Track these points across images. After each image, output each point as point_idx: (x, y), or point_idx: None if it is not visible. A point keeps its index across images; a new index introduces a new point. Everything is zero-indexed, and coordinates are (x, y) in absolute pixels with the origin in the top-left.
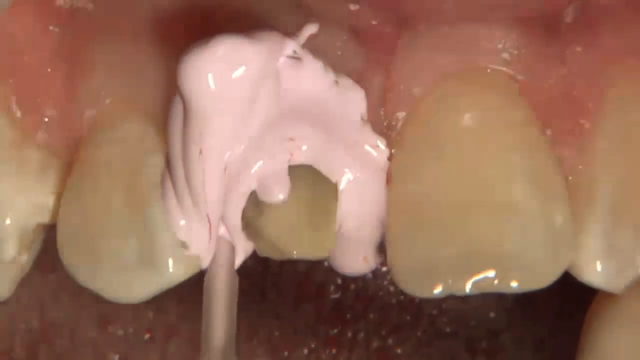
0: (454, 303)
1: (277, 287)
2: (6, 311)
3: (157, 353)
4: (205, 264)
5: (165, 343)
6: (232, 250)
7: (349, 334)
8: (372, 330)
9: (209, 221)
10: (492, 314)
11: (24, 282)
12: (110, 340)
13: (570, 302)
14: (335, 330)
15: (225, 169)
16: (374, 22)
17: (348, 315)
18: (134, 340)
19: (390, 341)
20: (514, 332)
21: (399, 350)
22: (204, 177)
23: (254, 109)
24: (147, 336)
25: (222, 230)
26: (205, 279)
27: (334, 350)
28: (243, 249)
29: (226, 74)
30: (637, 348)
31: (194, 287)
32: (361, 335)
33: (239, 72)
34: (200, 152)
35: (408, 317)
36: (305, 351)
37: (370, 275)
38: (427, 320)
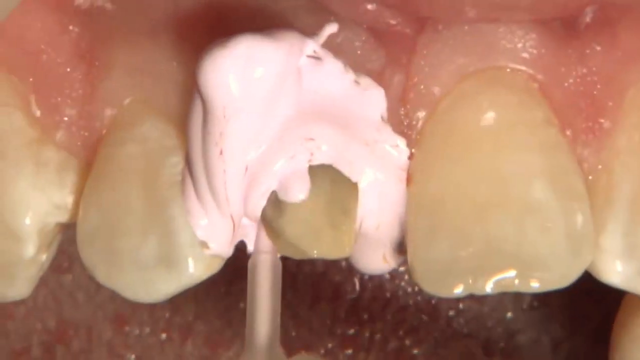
0: (471, 304)
1: (294, 287)
2: (23, 311)
3: (173, 353)
4: (222, 262)
5: (182, 343)
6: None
7: (366, 335)
8: (389, 330)
9: (233, 220)
10: (509, 315)
11: (41, 282)
12: (126, 340)
13: (587, 304)
14: (352, 331)
15: (246, 169)
16: (393, 22)
17: (365, 316)
18: (150, 340)
19: (407, 342)
20: (531, 333)
21: (415, 351)
22: (225, 177)
23: (275, 109)
24: (163, 336)
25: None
26: (249, 266)
27: (350, 351)
28: None
29: (246, 73)
30: None
31: (211, 286)
32: (378, 335)
33: (259, 71)
34: (221, 152)
35: (425, 318)
36: (322, 351)
37: (387, 275)
38: (444, 321)
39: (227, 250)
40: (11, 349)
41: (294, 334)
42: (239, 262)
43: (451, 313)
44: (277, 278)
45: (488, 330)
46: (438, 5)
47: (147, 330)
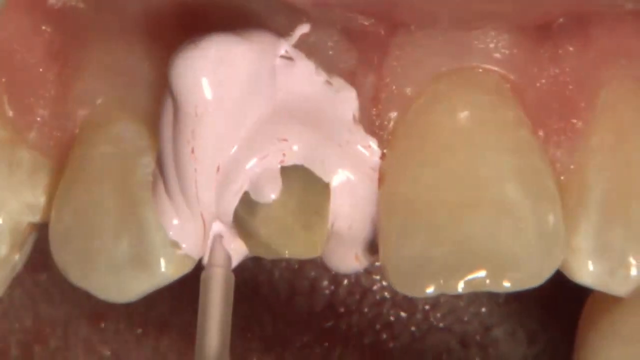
0: (447, 298)
1: (270, 281)
2: (0, 311)
3: (149, 347)
4: (194, 262)
5: (157, 337)
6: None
7: (342, 328)
8: (365, 324)
9: (203, 220)
10: (484, 309)
11: (17, 283)
12: (102, 337)
13: (561, 296)
14: (329, 325)
15: (218, 169)
16: (365, 23)
17: (341, 310)
18: (126, 335)
19: (384, 336)
20: (507, 326)
21: (392, 345)
22: (196, 176)
23: (247, 108)
24: (139, 331)
25: (218, 228)
26: (201, 278)
27: (326, 344)
28: (236, 249)
29: (217, 73)
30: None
31: (186, 281)
32: (354, 329)
33: (230, 71)
34: (192, 151)
35: (401, 312)
36: (299, 345)
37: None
38: (420, 315)
39: (199, 251)
40: None
41: (270, 328)
42: None
43: (427, 307)
44: (229, 292)
45: (464, 324)
46: (413, 15)
47: (123, 325)
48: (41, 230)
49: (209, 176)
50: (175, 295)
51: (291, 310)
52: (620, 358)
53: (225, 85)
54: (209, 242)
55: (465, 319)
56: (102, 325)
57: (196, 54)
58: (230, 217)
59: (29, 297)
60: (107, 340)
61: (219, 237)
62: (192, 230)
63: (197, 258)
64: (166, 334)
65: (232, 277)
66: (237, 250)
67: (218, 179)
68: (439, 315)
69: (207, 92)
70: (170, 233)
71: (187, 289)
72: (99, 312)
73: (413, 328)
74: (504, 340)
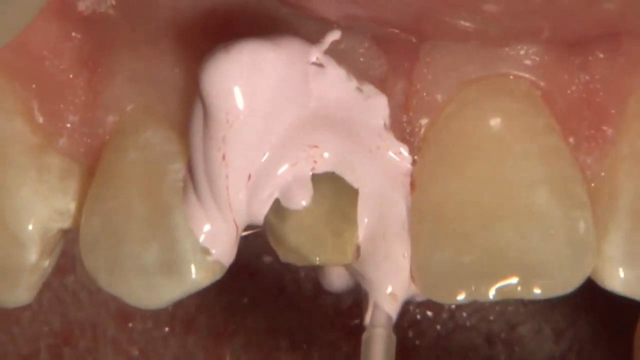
0: None
1: (296, 280)
2: (29, 315)
3: (177, 345)
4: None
5: (184, 335)
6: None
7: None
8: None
9: (236, 226)
10: (510, 307)
11: (45, 286)
12: (130, 336)
13: (589, 293)
14: (355, 323)
15: (249, 176)
16: (396, 31)
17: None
18: (154, 334)
19: (410, 334)
20: (532, 323)
21: (418, 343)
22: (227, 182)
23: (278, 115)
24: (166, 329)
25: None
26: (363, 338)
27: (353, 342)
28: None
29: (249, 80)
30: None
31: None
32: None
33: (262, 78)
34: (224, 157)
35: (427, 311)
36: (325, 343)
37: None
38: (446, 314)
39: (229, 257)
40: (18, 354)
41: (297, 327)
42: (241, 256)
43: (453, 306)
44: (390, 352)
45: (490, 323)
46: (441, 30)
47: (150, 325)
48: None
49: (240, 182)
50: (201, 293)
51: (317, 308)
52: None
53: (256, 93)
54: (370, 303)
55: (491, 317)
56: (130, 325)
57: (228, 59)
58: (261, 223)
59: (58, 300)
60: (135, 340)
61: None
62: (224, 236)
63: (227, 264)
64: (192, 332)
65: (394, 338)
66: None
67: (249, 186)
68: (464, 314)
69: (239, 100)
70: (201, 239)
71: (213, 287)
72: (127, 313)
73: (439, 327)
74: (529, 338)
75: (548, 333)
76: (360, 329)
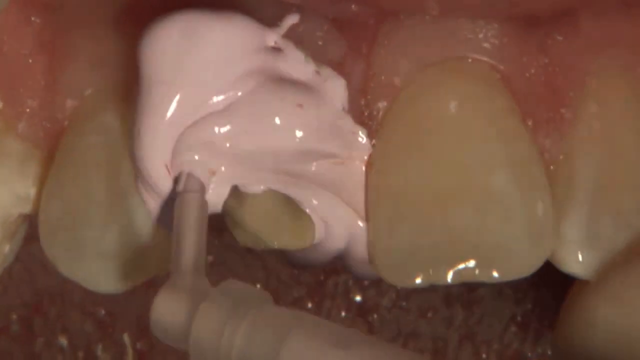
0: None
1: None
2: (1, 289)
3: (139, 303)
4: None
5: (146, 291)
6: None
7: (331, 285)
8: (353, 282)
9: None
10: None
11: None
12: (95, 299)
13: None
14: (320, 279)
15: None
16: (355, 10)
17: (330, 267)
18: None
19: (371, 292)
20: (493, 285)
21: (377, 302)
22: (144, 161)
23: (228, 90)
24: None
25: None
26: (175, 205)
27: (317, 300)
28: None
29: (179, 48)
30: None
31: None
32: (341, 287)
33: (196, 49)
34: (139, 132)
35: None
36: (291, 300)
37: None
38: None
39: None
40: None
41: (261, 285)
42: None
43: None
44: (203, 215)
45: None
46: (400, 1)
47: None
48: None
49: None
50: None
51: (284, 266)
52: (607, 318)
53: (185, 66)
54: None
55: None
56: None
57: (160, 25)
58: (219, 207)
59: (26, 270)
60: (100, 301)
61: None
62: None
63: None
64: (154, 288)
65: (207, 203)
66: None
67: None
68: None
69: (165, 61)
70: (153, 218)
71: None
72: None
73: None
74: (489, 298)
75: (509, 294)
76: (324, 287)
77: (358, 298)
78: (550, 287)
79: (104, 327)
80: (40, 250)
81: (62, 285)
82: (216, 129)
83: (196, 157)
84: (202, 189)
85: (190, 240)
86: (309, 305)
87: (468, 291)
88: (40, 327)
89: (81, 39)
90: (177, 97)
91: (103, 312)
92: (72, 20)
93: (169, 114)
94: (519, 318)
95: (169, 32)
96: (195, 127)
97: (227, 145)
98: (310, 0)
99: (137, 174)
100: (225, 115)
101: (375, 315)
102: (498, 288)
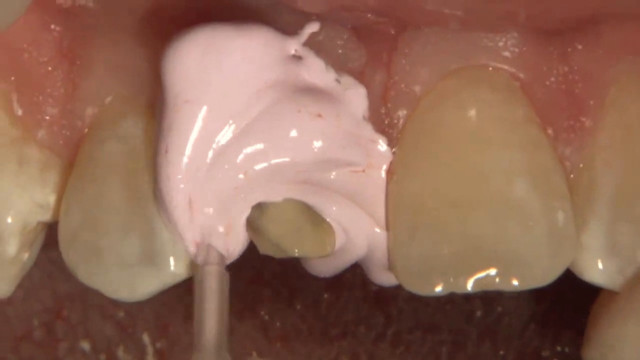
0: None
1: None
2: (22, 294)
3: (158, 302)
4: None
5: (165, 292)
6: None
7: (348, 277)
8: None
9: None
10: None
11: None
12: (114, 301)
13: None
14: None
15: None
16: (375, 21)
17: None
18: None
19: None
20: None
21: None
22: (169, 180)
23: (243, 102)
24: None
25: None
26: (195, 278)
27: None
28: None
29: (204, 63)
30: None
31: None
32: (359, 278)
33: (221, 62)
34: (167, 150)
35: None
36: (308, 293)
37: None
38: None
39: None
40: (14, 336)
41: (279, 276)
42: None
43: None
44: (224, 287)
45: None
46: (421, 16)
47: None
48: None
49: (182, 180)
50: None
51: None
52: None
53: (212, 82)
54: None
55: None
56: None
57: (184, 39)
58: (243, 219)
59: (47, 275)
60: (120, 303)
61: (211, 238)
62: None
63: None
64: (173, 287)
65: (227, 274)
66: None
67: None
68: None
69: (190, 77)
70: (170, 232)
71: None
72: None
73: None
74: (509, 296)
75: (528, 292)
76: (342, 279)
77: (375, 289)
78: (569, 286)
79: (124, 328)
80: (60, 256)
81: (83, 289)
82: (234, 157)
83: (210, 212)
84: (222, 261)
85: (212, 315)
86: (326, 296)
87: None
88: (63, 332)
89: (101, 47)
90: (204, 114)
91: (122, 313)
92: (92, 29)
93: (196, 132)
94: (538, 317)
95: (191, 49)
96: (213, 168)
97: (245, 170)
98: (330, 10)
99: (156, 192)
100: (243, 137)
101: (393, 307)
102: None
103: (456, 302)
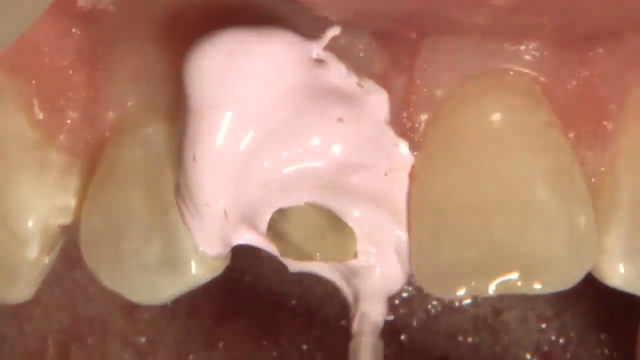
0: None
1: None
2: (41, 312)
3: (180, 330)
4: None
5: (187, 319)
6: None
7: None
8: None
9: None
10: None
11: (55, 280)
12: (136, 326)
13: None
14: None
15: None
16: (396, 26)
17: None
18: (158, 321)
19: (401, 311)
20: (517, 311)
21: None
22: (202, 188)
23: (267, 108)
24: (169, 315)
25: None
26: (350, 347)
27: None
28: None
29: (229, 69)
30: None
31: None
32: None
33: (245, 66)
34: (194, 158)
35: (414, 292)
36: (326, 318)
37: None
38: (433, 297)
39: (224, 252)
40: (26, 352)
41: (297, 301)
42: None
43: None
44: (379, 355)
45: (476, 307)
46: (443, 26)
47: (155, 312)
48: (72, 227)
49: (218, 186)
50: None
51: (319, 282)
52: None
53: (237, 85)
54: (357, 313)
55: (478, 301)
56: (135, 315)
57: (207, 44)
58: (265, 224)
59: (68, 295)
60: (141, 329)
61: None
62: (210, 236)
63: (224, 258)
64: (195, 316)
65: (382, 344)
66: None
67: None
68: None
69: (214, 83)
70: (193, 239)
71: None
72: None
73: (429, 308)
74: (515, 323)
75: (533, 321)
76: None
77: (389, 317)
78: (573, 316)
79: (143, 356)
80: (83, 277)
81: (104, 313)
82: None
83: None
84: (377, 330)
85: None
86: (342, 322)
87: (494, 315)
88: (77, 355)
89: (122, 51)
90: (229, 120)
91: (144, 339)
92: (113, 32)
93: (223, 138)
94: (544, 348)
95: (215, 53)
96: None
97: (270, 175)
98: (351, 17)
99: (184, 198)
100: (267, 143)
101: (405, 336)
102: (523, 315)
103: (467, 331)
